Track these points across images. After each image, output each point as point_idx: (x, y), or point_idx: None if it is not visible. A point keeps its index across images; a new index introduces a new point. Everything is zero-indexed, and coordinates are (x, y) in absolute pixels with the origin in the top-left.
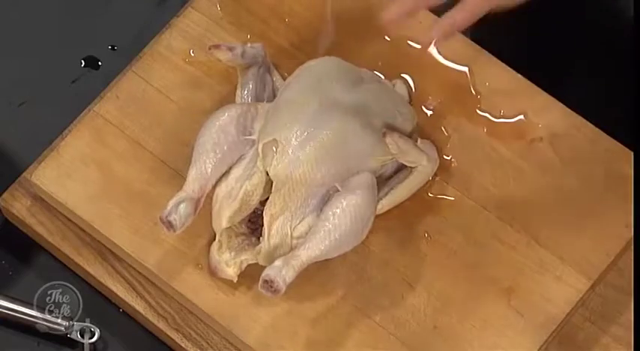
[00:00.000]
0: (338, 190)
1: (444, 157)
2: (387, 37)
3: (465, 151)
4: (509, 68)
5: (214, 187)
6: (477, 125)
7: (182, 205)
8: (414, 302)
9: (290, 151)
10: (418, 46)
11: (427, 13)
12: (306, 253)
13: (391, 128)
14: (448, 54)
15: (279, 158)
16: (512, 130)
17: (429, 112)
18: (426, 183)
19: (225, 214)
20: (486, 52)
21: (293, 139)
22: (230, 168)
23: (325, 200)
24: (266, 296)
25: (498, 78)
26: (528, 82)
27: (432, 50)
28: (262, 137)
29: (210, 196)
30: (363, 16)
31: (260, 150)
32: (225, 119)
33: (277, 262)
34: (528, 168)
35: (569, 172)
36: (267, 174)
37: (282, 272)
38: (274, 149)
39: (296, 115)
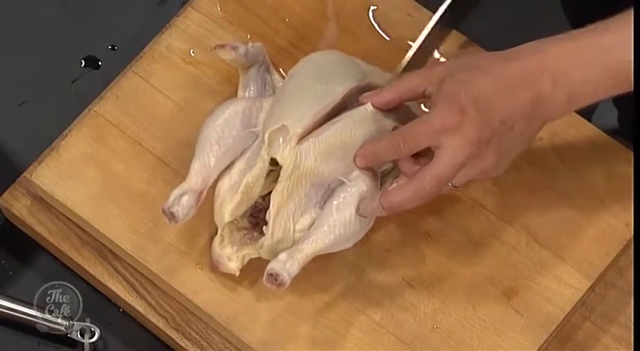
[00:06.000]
0: (341, 183)
1: None
2: (386, 37)
3: None
4: None
5: (216, 181)
6: None
7: (185, 197)
8: (414, 302)
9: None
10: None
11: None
12: (311, 247)
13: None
14: (448, 54)
15: (287, 144)
16: None
17: None
18: None
19: (227, 207)
20: (486, 51)
21: (301, 127)
22: (233, 162)
23: (328, 193)
24: (266, 295)
25: None
26: None
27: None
28: (268, 125)
29: (210, 193)
30: (363, 15)
31: (266, 138)
32: (230, 113)
33: (282, 256)
34: (528, 168)
35: (569, 172)
36: (271, 163)
37: (286, 266)
38: (282, 137)
39: (303, 103)
